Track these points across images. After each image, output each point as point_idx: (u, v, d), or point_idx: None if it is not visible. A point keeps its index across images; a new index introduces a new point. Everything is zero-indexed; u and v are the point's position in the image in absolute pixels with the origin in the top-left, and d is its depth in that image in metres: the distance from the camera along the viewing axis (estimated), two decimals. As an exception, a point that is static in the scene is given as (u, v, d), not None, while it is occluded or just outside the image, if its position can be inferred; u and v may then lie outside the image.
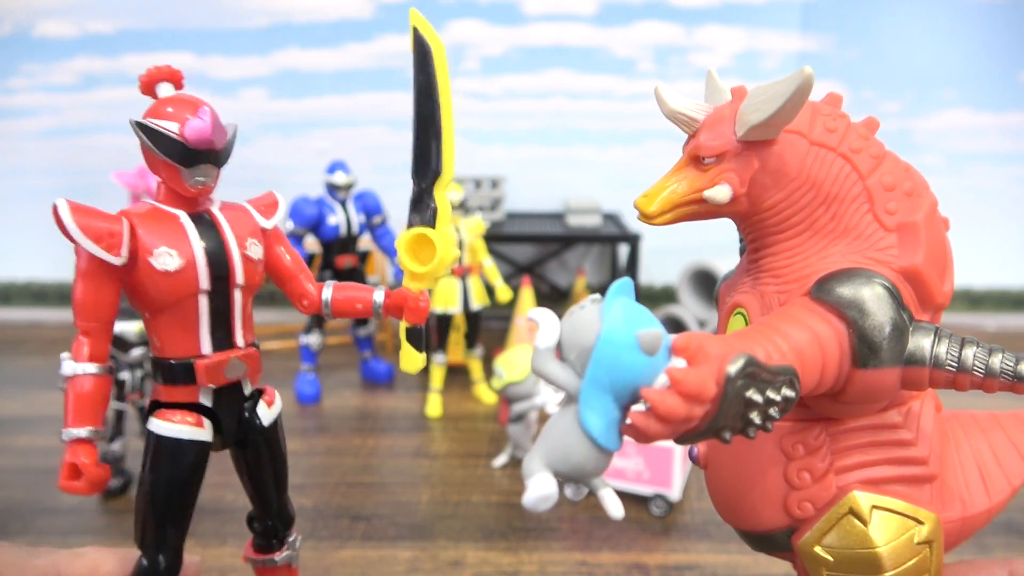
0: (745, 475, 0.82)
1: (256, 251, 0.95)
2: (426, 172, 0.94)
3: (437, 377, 2.24)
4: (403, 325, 0.98)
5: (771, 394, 0.63)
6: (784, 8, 2.97)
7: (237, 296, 0.93)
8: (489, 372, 2.12)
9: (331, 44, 3.01)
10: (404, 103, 3.10)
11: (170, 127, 0.87)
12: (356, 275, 2.36)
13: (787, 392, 0.64)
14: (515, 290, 2.42)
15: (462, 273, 2.20)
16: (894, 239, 0.78)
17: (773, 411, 0.63)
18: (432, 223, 0.94)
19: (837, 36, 2.99)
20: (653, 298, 3.21)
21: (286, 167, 3.07)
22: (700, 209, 0.78)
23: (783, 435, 0.79)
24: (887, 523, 0.78)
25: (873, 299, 0.72)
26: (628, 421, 0.62)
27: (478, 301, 2.23)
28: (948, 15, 2.93)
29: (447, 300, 2.19)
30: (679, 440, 0.63)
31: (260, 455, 1.00)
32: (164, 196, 0.91)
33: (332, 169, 2.25)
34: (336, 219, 2.25)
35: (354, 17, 2.98)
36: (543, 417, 2.01)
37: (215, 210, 0.94)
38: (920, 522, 0.79)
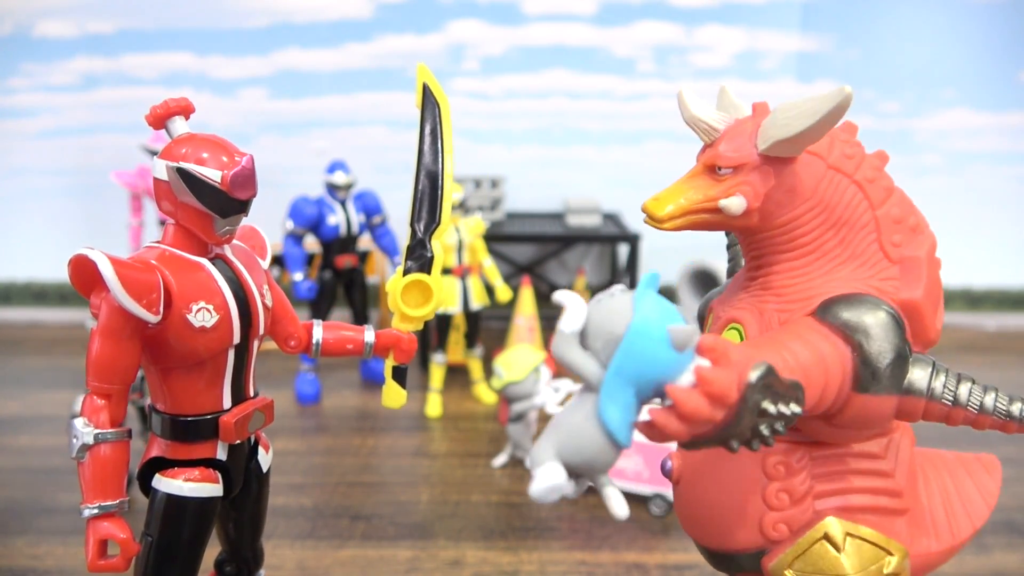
0: (722, 493, 0.82)
1: (269, 299, 0.92)
2: (429, 223, 0.96)
3: (437, 377, 2.24)
4: (389, 363, 0.98)
5: (782, 407, 0.62)
6: (784, 8, 2.97)
7: (254, 346, 0.91)
8: (489, 372, 2.13)
9: (331, 44, 3.01)
10: (404, 103, 3.10)
11: (212, 175, 0.81)
12: (356, 275, 2.37)
13: (795, 407, 0.64)
14: (515, 290, 2.42)
15: (462, 273, 2.20)
16: (896, 271, 0.79)
17: (779, 425, 0.63)
18: (428, 270, 0.96)
19: (837, 36, 2.99)
20: (653, 298, 3.21)
21: (286, 167, 3.07)
22: (711, 219, 0.78)
23: (766, 455, 0.79)
24: (859, 552, 0.79)
25: (879, 325, 0.72)
26: (644, 418, 0.60)
27: (478, 301, 2.23)
28: (948, 15, 2.93)
29: (447, 300, 2.19)
30: (687, 445, 0.62)
31: (252, 501, 0.97)
32: (178, 240, 0.86)
33: (332, 169, 2.25)
34: (336, 219, 2.25)
35: (354, 17, 2.98)
36: (543, 417, 2.01)
37: (229, 254, 0.90)
38: (891, 553, 0.80)
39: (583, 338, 0.62)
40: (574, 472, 0.62)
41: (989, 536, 1.49)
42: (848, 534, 0.78)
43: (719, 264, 2.74)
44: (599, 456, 0.61)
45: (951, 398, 0.75)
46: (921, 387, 0.74)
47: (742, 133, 0.76)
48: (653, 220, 0.78)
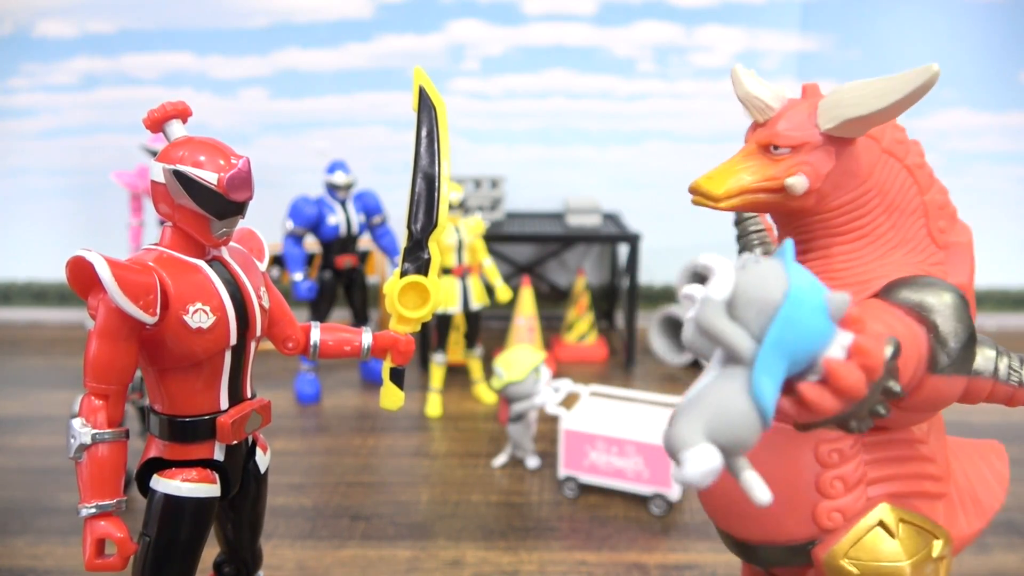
0: (771, 483, 0.81)
1: (266, 300, 0.93)
2: (426, 225, 0.97)
3: (437, 377, 2.24)
4: (387, 365, 0.98)
5: (896, 386, 0.61)
6: (784, 8, 2.97)
7: (251, 348, 0.91)
8: (489, 372, 2.13)
9: (331, 44, 3.01)
10: (404, 103, 3.10)
11: (208, 177, 0.82)
12: (356, 275, 2.37)
13: (900, 387, 0.62)
14: (515, 290, 2.42)
15: (462, 273, 2.20)
16: (943, 256, 0.79)
17: (885, 406, 0.61)
18: (425, 272, 0.97)
19: (837, 36, 2.99)
20: (653, 298, 3.21)
21: (286, 167, 3.07)
22: (770, 199, 0.76)
23: (819, 442, 0.78)
24: (912, 537, 0.78)
25: (952, 306, 0.72)
26: (789, 393, 0.56)
27: (478, 301, 2.23)
28: (948, 15, 2.93)
29: (447, 300, 2.19)
30: (804, 427, 0.59)
31: (250, 502, 0.97)
32: (175, 242, 0.86)
33: (332, 169, 2.25)
34: (336, 219, 2.25)
35: (354, 17, 2.98)
36: (543, 417, 2.01)
37: (226, 256, 0.91)
38: (937, 537, 0.79)
39: (730, 306, 0.57)
40: (724, 452, 0.57)
41: (989, 536, 1.49)
42: (901, 520, 0.78)
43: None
44: (749, 435, 0.56)
45: (1017, 380, 0.75)
46: (989, 368, 0.75)
47: (800, 112, 0.75)
48: (708, 199, 0.75)
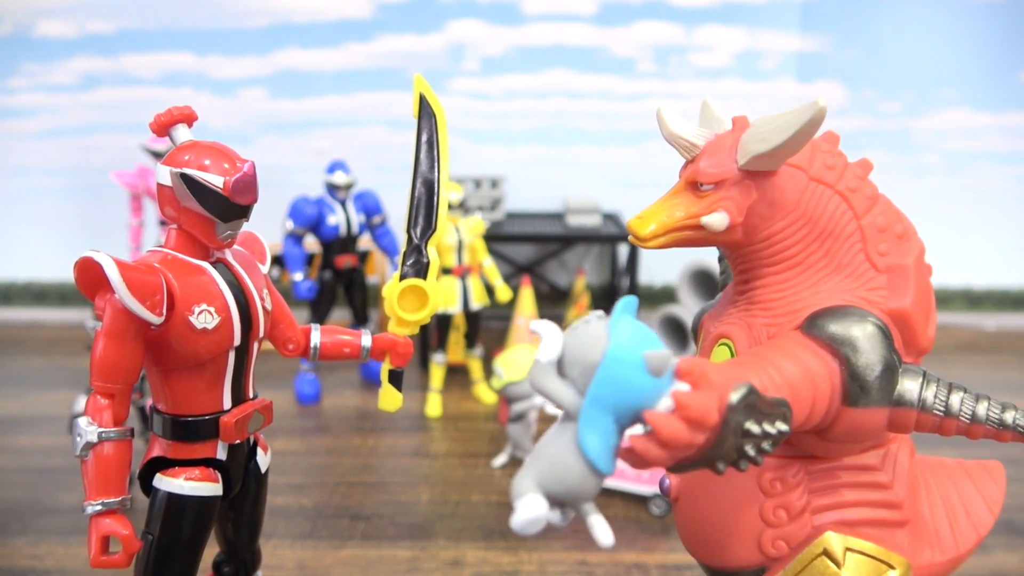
0: (719, 510, 0.81)
1: (268, 302, 0.94)
2: (425, 230, 0.99)
3: (437, 377, 2.24)
4: (385, 367, 1.00)
5: (767, 426, 0.62)
6: (784, 8, 2.97)
7: (254, 349, 0.93)
8: (489, 372, 2.13)
9: (331, 44, 3.01)
10: (404, 103, 3.10)
11: (214, 180, 0.84)
12: (356, 275, 2.37)
13: (781, 426, 0.63)
14: (515, 290, 2.42)
15: (462, 273, 2.20)
16: (884, 280, 0.78)
17: (766, 444, 0.62)
18: (424, 275, 0.99)
19: (837, 36, 2.99)
20: (653, 298, 3.21)
21: (286, 167, 3.07)
22: (695, 235, 0.78)
23: (762, 471, 0.78)
24: (860, 566, 0.77)
25: (866, 338, 0.72)
26: (625, 444, 0.60)
27: (478, 301, 2.23)
28: (948, 15, 2.93)
29: (447, 300, 2.19)
30: (673, 468, 0.61)
31: (250, 501, 0.98)
32: (181, 244, 0.88)
33: (332, 169, 2.25)
34: (336, 219, 2.25)
35: (354, 17, 2.98)
36: (543, 417, 2.01)
37: (230, 259, 0.92)
38: (891, 567, 0.79)
39: (560, 367, 0.63)
40: (557, 502, 0.62)
41: (989, 536, 1.49)
42: (848, 549, 0.77)
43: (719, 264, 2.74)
44: (582, 485, 0.61)
45: (943, 408, 0.74)
46: (912, 398, 0.73)
47: (722, 148, 0.76)
48: (637, 239, 0.78)
